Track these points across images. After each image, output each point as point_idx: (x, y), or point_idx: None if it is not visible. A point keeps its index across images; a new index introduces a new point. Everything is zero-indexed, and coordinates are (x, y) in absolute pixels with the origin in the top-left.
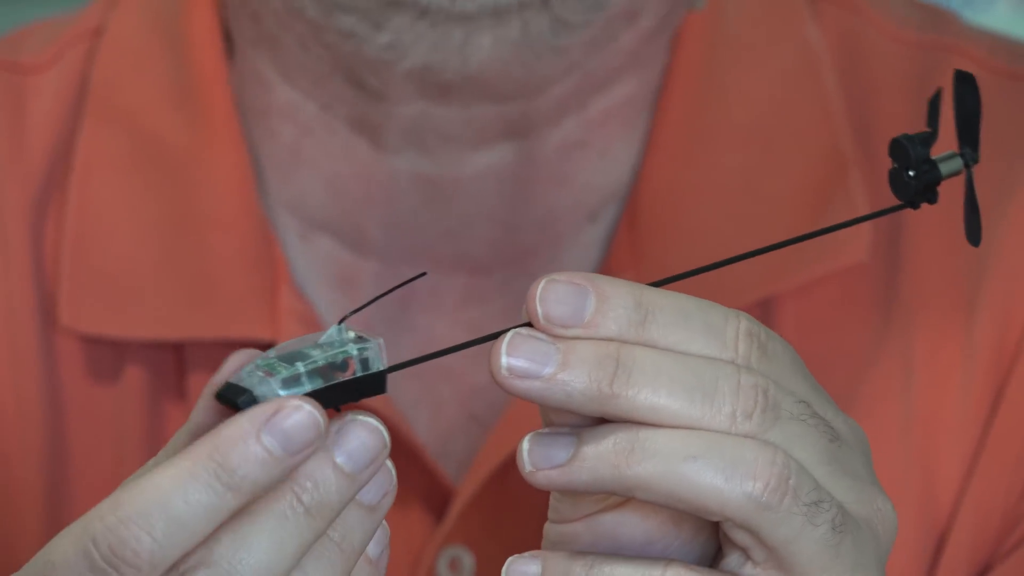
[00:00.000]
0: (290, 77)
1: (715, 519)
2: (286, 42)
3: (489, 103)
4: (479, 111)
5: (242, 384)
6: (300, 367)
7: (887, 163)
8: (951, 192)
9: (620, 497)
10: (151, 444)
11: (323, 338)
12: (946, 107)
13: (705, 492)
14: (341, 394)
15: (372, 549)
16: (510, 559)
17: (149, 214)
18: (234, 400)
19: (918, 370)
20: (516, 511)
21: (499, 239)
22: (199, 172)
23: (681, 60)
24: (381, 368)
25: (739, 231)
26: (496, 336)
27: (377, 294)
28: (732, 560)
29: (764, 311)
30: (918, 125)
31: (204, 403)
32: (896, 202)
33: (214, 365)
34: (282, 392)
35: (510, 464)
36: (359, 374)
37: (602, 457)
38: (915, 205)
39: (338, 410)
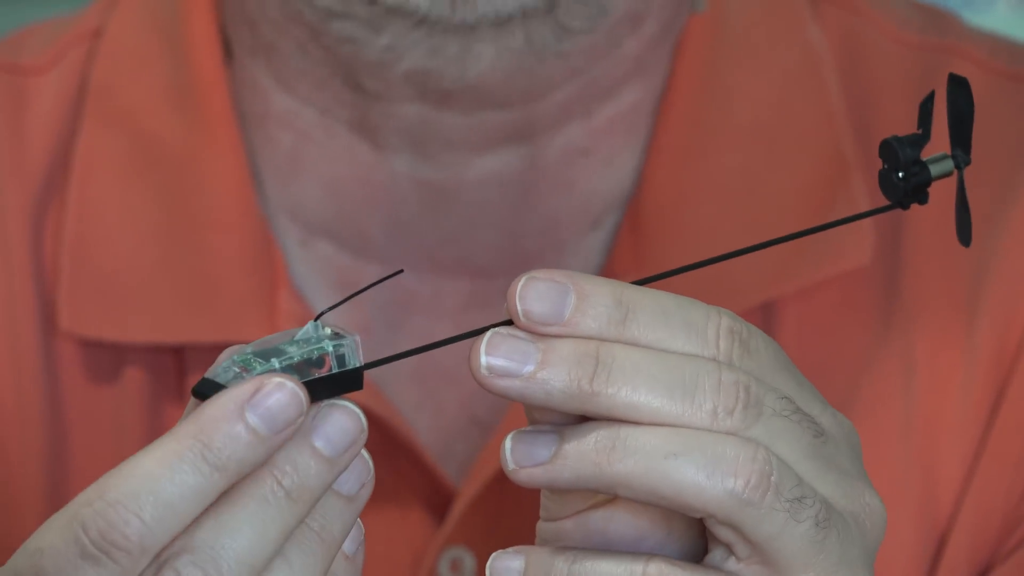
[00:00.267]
0: (287, 84)
1: (697, 516)
2: (284, 48)
3: (491, 109)
4: (481, 117)
5: (218, 380)
6: (275, 363)
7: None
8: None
9: (609, 495)
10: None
11: (300, 334)
12: (940, 110)
13: (686, 489)
14: (317, 390)
15: (348, 546)
16: (494, 555)
17: (148, 216)
18: (209, 396)
19: (919, 372)
20: (517, 512)
21: (502, 244)
22: (198, 174)
23: (683, 62)
24: (357, 364)
25: (741, 233)
26: (477, 333)
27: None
28: (716, 555)
29: (765, 315)
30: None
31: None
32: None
33: None
34: None
35: None
36: (335, 370)
37: (583, 455)
38: (904, 206)
39: None
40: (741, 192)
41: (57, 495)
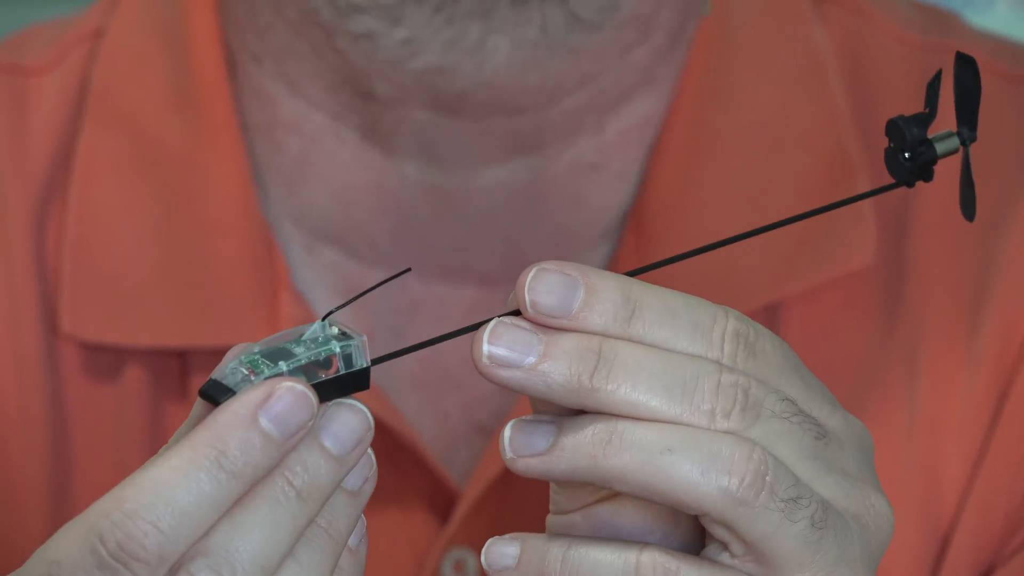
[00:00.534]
0: (299, 89)
1: (692, 513)
2: (299, 52)
3: (502, 116)
4: (492, 124)
5: (225, 382)
6: (283, 366)
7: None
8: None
9: (605, 488)
10: (153, 445)
11: (307, 333)
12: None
13: (680, 486)
14: (325, 391)
15: (351, 539)
16: (490, 540)
17: (148, 219)
18: (216, 399)
19: (922, 373)
20: (521, 513)
21: (508, 253)
22: (198, 177)
23: (688, 65)
24: (364, 365)
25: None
26: (481, 325)
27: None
28: (712, 549)
29: (770, 316)
30: None
31: (203, 400)
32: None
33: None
34: None
35: None
36: (342, 371)
37: (580, 447)
38: (910, 184)
39: None
40: (745, 194)
41: (60, 496)
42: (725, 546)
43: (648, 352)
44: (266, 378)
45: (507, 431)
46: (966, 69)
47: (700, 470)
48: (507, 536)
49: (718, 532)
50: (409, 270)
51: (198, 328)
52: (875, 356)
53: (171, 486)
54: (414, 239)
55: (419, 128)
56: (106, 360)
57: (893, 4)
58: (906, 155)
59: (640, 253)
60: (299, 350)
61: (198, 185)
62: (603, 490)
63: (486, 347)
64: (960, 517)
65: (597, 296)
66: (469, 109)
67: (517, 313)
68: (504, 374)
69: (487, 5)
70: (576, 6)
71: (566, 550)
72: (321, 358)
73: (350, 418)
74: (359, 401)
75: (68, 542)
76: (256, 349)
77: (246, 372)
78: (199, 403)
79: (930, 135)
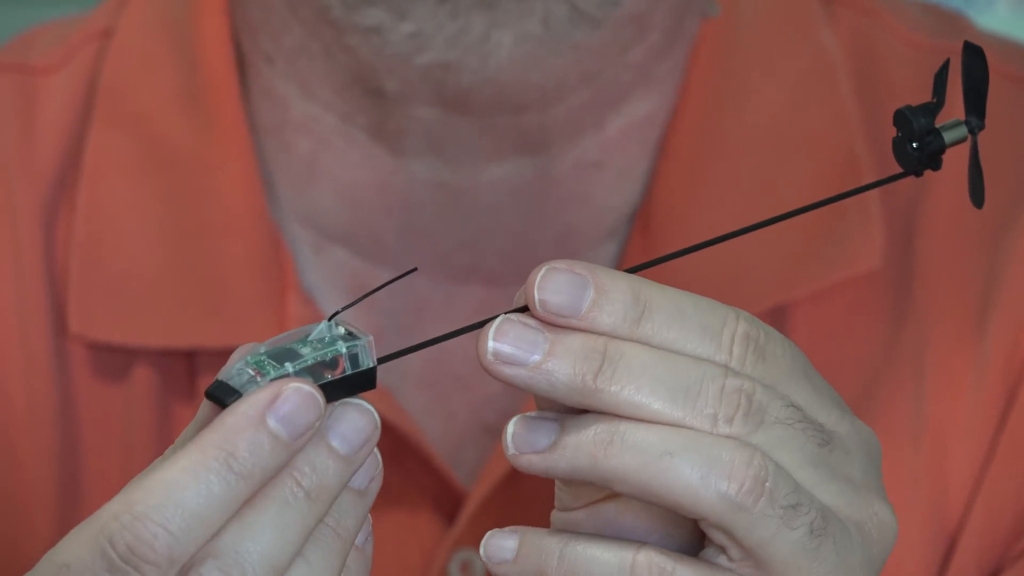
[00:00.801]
0: (310, 90)
1: (690, 516)
2: (312, 52)
3: (506, 113)
4: (497, 122)
5: (231, 384)
6: (289, 367)
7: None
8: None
9: (605, 488)
10: (161, 445)
11: (314, 334)
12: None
13: (679, 489)
14: (331, 392)
15: (357, 538)
16: (489, 533)
17: (157, 219)
18: (223, 401)
19: (930, 375)
20: (527, 514)
21: (515, 252)
22: (207, 178)
23: (696, 66)
24: (371, 365)
25: (752, 237)
26: (488, 322)
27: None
28: (710, 551)
29: (777, 318)
30: None
31: (209, 401)
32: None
33: None
34: None
35: None
36: (348, 371)
37: (581, 447)
38: (918, 173)
39: None
40: (753, 195)
41: (68, 496)
42: (723, 549)
43: (653, 354)
44: (272, 379)
45: (510, 427)
46: (974, 58)
47: (700, 474)
48: (507, 529)
49: (716, 536)
50: (416, 270)
51: (206, 328)
52: (882, 358)
53: (180, 488)
54: (421, 238)
55: (426, 126)
56: (114, 360)
57: (902, 5)
58: (914, 145)
59: (648, 253)
60: (305, 350)
61: (206, 185)
62: (607, 488)
63: (491, 343)
64: (967, 518)
65: (607, 296)
66: (474, 106)
67: (524, 310)
68: (508, 371)
69: None
70: (579, 0)
71: (564, 546)
72: (327, 358)
73: (357, 418)
74: (366, 401)
75: (78, 545)
76: (262, 350)
77: (252, 373)
78: (205, 404)
79: (937, 124)
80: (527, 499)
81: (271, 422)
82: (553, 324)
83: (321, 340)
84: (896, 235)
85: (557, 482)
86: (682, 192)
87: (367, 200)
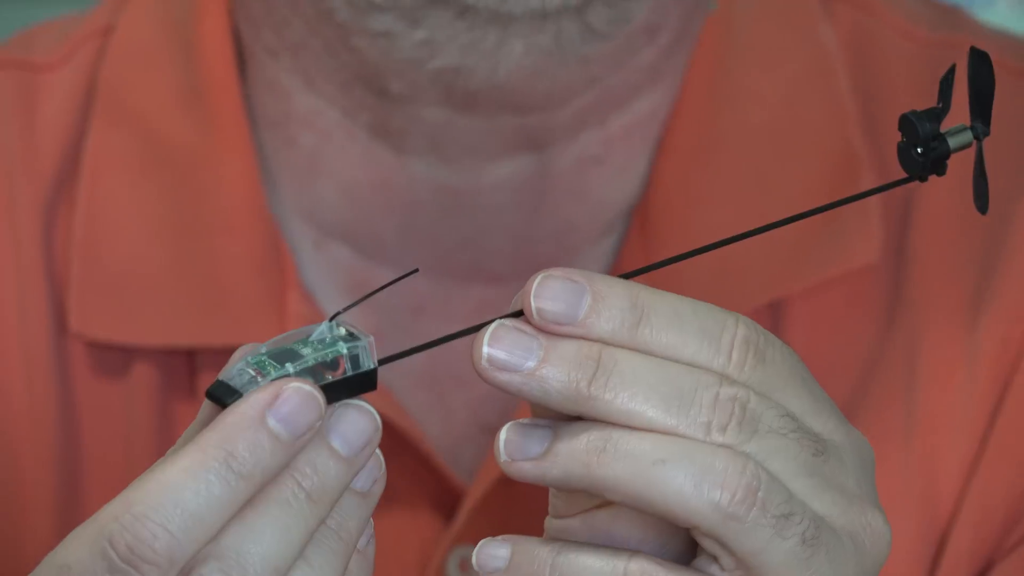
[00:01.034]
0: (313, 84)
1: (682, 525)
2: (314, 47)
3: (511, 115)
4: (501, 122)
5: (232, 384)
6: (290, 367)
7: (897, 160)
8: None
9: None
10: (162, 444)
11: (315, 334)
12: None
13: (672, 498)
14: (332, 393)
15: (360, 540)
16: (482, 541)
17: (157, 217)
18: (223, 401)
19: (922, 369)
20: (526, 511)
21: (515, 250)
22: (207, 176)
23: (695, 62)
24: (372, 366)
25: None
26: (484, 326)
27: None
28: (703, 560)
29: (774, 313)
30: None
31: (210, 401)
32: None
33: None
34: None
35: None
36: (349, 372)
37: (574, 455)
38: (923, 178)
39: None
40: (751, 192)
41: (69, 495)
42: (715, 558)
43: (648, 362)
44: (273, 379)
45: (503, 434)
46: (980, 64)
47: (692, 483)
48: (499, 538)
49: (708, 545)
50: (417, 271)
51: (206, 327)
52: (875, 351)
53: (180, 488)
54: (421, 237)
55: (429, 125)
56: (114, 359)
57: (900, 0)
58: (919, 150)
59: (645, 249)
60: (306, 351)
61: (206, 183)
62: (600, 496)
63: (486, 349)
64: (959, 512)
65: (604, 302)
66: (480, 107)
67: (520, 315)
68: (502, 377)
69: (513, 17)
70: (592, 19)
71: (556, 555)
72: (328, 359)
73: (358, 419)
74: (367, 402)
75: (78, 546)
76: (263, 350)
77: (253, 373)
78: (206, 404)
79: (942, 129)
80: (525, 497)
81: (271, 422)
82: (551, 332)
83: (322, 341)
84: (891, 229)
85: (551, 489)
86: (680, 188)
87: (368, 197)
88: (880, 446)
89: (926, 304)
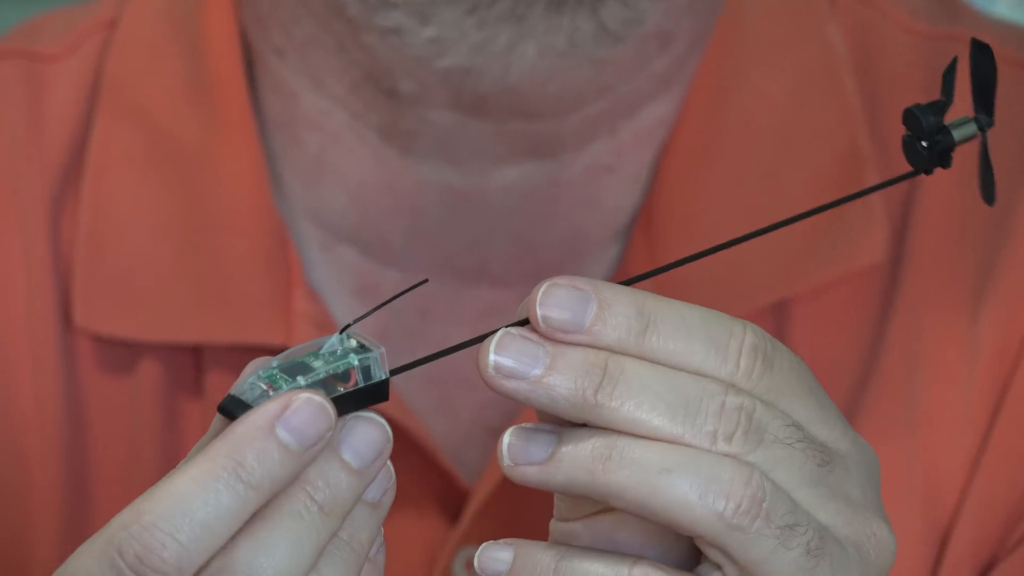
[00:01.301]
0: (322, 85)
1: (686, 534)
2: (324, 45)
3: (521, 120)
4: (511, 127)
5: (244, 398)
6: (301, 380)
7: (900, 157)
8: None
9: (602, 503)
10: (167, 441)
11: (325, 347)
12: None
13: (676, 506)
14: (344, 404)
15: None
16: (484, 545)
17: (162, 213)
18: (235, 415)
19: (923, 366)
20: (531, 513)
21: (521, 254)
22: (212, 171)
23: (701, 64)
24: (383, 377)
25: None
26: (491, 335)
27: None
28: (705, 568)
29: (778, 313)
30: None
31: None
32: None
33: (232, 364)
34: None
35: None
36: (361, 384)
37: (579, 461)
38: (928, 171)
39: None
40: (755, 193)
41: (75, 490)
42: (719, 567)
43: (654, 370)
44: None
45: (506, 438)
46: (983, 55)
47: (697, 492)
48: (501, 541)
49: (712, 554)
50: (427, 281)
51: (212, 323)
52: (877, 349)
53: (189, 498)
54: (428, 239)
55: (438, 128)
56: (121, 355)
57: None
58: (924, 143)
59: (650, 252)
60: (317, 364)
61: (212, 179)
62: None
63: (492, 357)
64: (961, 510)
65: (610, 310)
66: (490, 111)
67: (526, 323)
68: (509, 385)
69: (521, 11)
70: (605, 16)
71: (558, 560)
72: (340, 371)
73: (369, 431)
74: (378, 414)
75: (88, 556)
76: (274, 364)
77: (264, 387)
78: (218, 419)
79: (946, 122)
80: (531, 498)
81: (280, 432)
82: (557, 340)
83: (333, 353)
84: (892, 226)
85: (556, 493)
86: (685, 190)
87: (375, 199)
88: (881, 444)
89: (927, 301)
